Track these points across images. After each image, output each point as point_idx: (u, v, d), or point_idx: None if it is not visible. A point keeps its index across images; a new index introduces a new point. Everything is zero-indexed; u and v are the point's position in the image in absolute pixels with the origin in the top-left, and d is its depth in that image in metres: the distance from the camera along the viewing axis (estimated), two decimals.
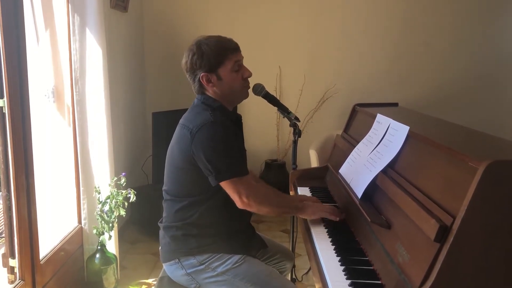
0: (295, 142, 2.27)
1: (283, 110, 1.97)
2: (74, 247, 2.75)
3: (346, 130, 2.42)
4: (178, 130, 1.73)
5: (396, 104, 2.55)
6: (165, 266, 1.80)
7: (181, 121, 1.74)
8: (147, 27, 4.19)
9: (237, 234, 1.76)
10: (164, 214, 1.81)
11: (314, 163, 3.62)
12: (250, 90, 1.83)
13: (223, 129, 1.63)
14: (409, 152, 1.52)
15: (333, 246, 1.59)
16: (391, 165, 1.57)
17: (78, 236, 2.77)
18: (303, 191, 2.27)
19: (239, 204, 1.64)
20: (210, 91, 1.74)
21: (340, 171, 1.99)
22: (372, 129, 1.92)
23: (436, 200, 1.20)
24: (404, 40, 4.15)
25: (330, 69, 4.21)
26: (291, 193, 2.38)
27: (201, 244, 1.71)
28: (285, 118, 2.10)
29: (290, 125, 2.16)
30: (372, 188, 1.61)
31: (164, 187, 1.80)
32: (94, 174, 2.74)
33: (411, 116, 2.21)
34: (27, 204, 2.15)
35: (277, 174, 4.12)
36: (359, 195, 1.63)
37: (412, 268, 1.17)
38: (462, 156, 1.16)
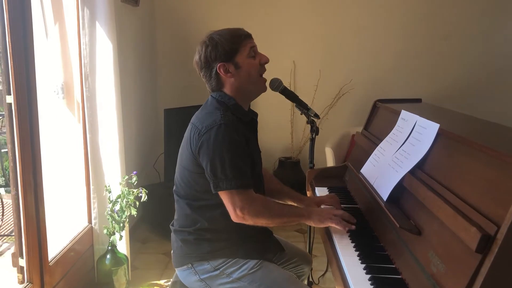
0: (312, 140, 2.16)
1: (302, 106, 1.87)
2: (84, 247, 2.68)
3: (366, 127, 2.30)
4: (188, 129, 1.63)
5: (419, 100, 2.43)
6: (177, 271, 1.71)
7: (192, 119, 1.65)
8: (158, 22, 4.11)
9: (253, 238, 1.66)
10: (175, 217, 1.72)
11: (330, 161, 3.52)
12: (267, 84, 1.73)
13: (231, 134, 1.52)
14: (439, 152, 1.41)
15: (357, 252, 1.48)
16: (420, 165, 1.46)
17: (88, 236, 2.70)
18: (321, 191, 2.17)
19: (233, 217, 1.53)
20: (227, 85, 1.64)
21: (362, 171, 1.88)
22: (396, 127, 1.80)
23: (475, 206, 1.09)
24: (423, 33, 4.01)
25: (346, 64, 4.08)
26: (308, 193, 2.28)
27: (214, 249, 1.62)
28: (302, 115, 2.00)
29: (308, 122, 2.06)
30: (398, 190, 1.50)
31: (174, 188, 1.71)
32: (105, 172, 2.66)
33: (438, 113, 2.09)
34: (34, 203, 2.08)
35: (291, 172, 4.02)
36: (385, 197, 1.53)
37: (449, 280, 1.07)
38: (506, 157, 1.05)
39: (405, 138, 1.65)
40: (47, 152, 2.56)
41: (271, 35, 4.06)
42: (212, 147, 1.51)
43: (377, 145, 1.88)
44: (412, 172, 1.46)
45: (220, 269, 1.61)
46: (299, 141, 4.19)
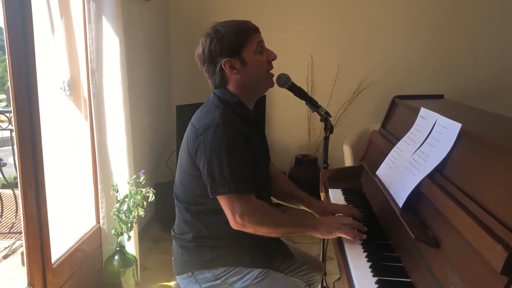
0: (326, 139, 2.04)
1: (312, 104, 1.74)
2: (92, 247, 2.62)
3: (384, 125, 2.16)
4: (188, 128, 1.53)
5: (441, 96, 2.26)
6: (178, 279, 1.62)
7: (192, 118, 1.54)
8: (172, 17, 4.02)
9: (258, 245, 1.55)
10: (176, 221, 1.62)
11: (348, 160, 3.37)
12: (275, 79, 1.61)
13: (230, 134, 1.41)
14: (461, 155, 1.27)
15: (369, 263, 1.35)
16: (439, 169, 1.32)
17: (96, 236, 2.64)
18: (335, 193, 2.04)
19: (232, 224, 1.41)
20: (232, 83, 1.52)
21: (377, 173, 1.75)
22: (415, 125, 1.66)
23: (501, 219, 0.95)
24: (447, 26, 3.81)
25: (365, 58, 3.92)
26: (321, 195, 2.16)
27: (216, 256, 1.52)
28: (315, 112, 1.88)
29: (321, 120, 1.94)
30: (416, 195, 1.37)
31: (174, 192, 1.61)
32: (113, 171, 2.59)
33: (461, 110, 1.93)
34: (36, 203, 2.01)
35: (308, 171, 3.89)
36: (400, 204, 1.39)
37: None
38: None
39: (424, 138, 1.51)
40: (54, 151, 2.51)
41: (288, 28, 3.93)
42: (209, 148, 1.41)
43: (394, 145, 1.75)
44: (430, 176, 1.33)
45: (222, 279, 1.51)
46: (317, 138, 4.05)
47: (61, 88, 2.49)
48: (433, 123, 1.50)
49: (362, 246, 1.47)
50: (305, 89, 3.78)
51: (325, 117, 1.90)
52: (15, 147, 1.88)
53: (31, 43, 1.92)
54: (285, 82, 1.65)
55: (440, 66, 3.88)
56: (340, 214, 1.64)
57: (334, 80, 3.87)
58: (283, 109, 4.01)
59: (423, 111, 1.64)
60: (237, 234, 1.47)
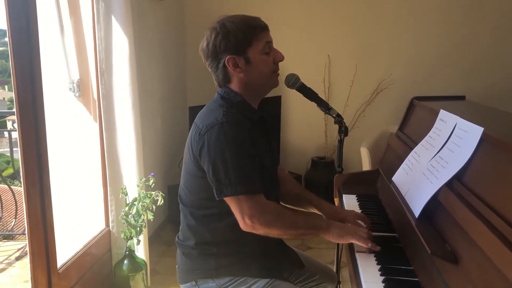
0: (340, 142, 1.94)
1: (323, 106, 1.65)
2: (102, 251, 2.58)
3: (401, 128, 2.06)
4: (191, 128, 1.46)
5: (462, 97, 2.15)
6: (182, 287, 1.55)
7: (196, 118, 1.47)
8: (188, 16, 3.97)
9: (265, 253, 1.47)
10: (180, 227, 1.55)
11: (366, 163, 3.26)
12: (281, 79, 1.53)
13: (234, 133, 1.34)
14: (483, 162, 1.16)
15: (382, 277, 1.26)
16: (459, 177, 1.22)
17: (106, 240, 2.60)
18: (349, 199, 1.94)
19: (242, 226, 1.34)
20: (235, 81, 1.45)
21: (393, 179, 1.65)
22: (433, 129, 1.56)
23: None
24: (470, 24, 3.67)
25: (385, 57, 3.80)
26: (335, 200, 2.06)
27: (221, 265, 1.44)
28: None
29: (335, 122, 1.86)
30: (434, 204, 1.27)
31: (179, 196, 1.55)
32: (123, 173, 2.54)
33: (483, 113, 1.82)
34: (40, 205, 1.97)
35: (325, 173, 3.79)
36: (417, 213, 1.30)
37: None
38: None
39: (443, 143, 1.41)
40: (64, 152, 2.48)
41: (305, 27, 3.84)
42: (213, 148, 1.34)
43: (412, 150, 1.65)
44: (449, 184, 1.23)
45: None
46: (334, 140, 3.94)
47: (70, 89, 2.45)
48: (453, 126, 1.40)
49: (375, 258, 1.37)
50: (322, 90, 3.75)
51: (339, 119, 1.82)
52: (16, 148, 1.83)
53: (35, 44, 1.88)
54: (294, 82, 1.55)
55: (463, 65, 3.73)
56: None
57: (352, 80, 3.77)
58: (299, 110, 3.91)
59: (443, 113, 1.54)
60: (242, 240, 1.40)
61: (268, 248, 1.48)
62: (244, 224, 1.33)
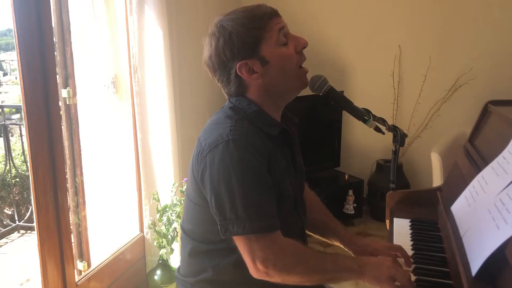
0: (395, 153, 1.63)
1: (358, 116, 1.32)
2: (136, 256, 2.44)
3: (471, 139, 1.65)
4: (195, 146, 1.20)
5: None
6: None
7: (200, 132, 1.21)
8: (231, 5, 3.70)
9: None
10: (180, 259, 1.31)
11: (437, 171, 2.83)
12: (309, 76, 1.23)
13: (244, 153, 1.06)
14: None
15: None
16: None
17: (140, 246, 2.46)
18: (401, 224, 1.59)
19: (252, 272, 1.06)
20: (253, 88, 1.17)
21: (452, 208, 1.29)
22: (509, 147, 1.18)
23: None
24: None
25: (464, 48, 3.27)
26: (387, 222, 1.72)
27: None
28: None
29: (388, 130, 1.55)
30: (500, 257, 0.92)
31: (181, 222, 1.30)
32: (156, 177, 2.37)
33: None
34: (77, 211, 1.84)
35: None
36: (473, 270, 0.95)
37: None
38: None
39: None
40: (99, 154, 2.35)
41: (373, 15, 3.42)
42: (216, 173, 1.07)
43: (480, 171, 1.27)
44: None
45: None
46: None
47: (105, 85, 2.31)
48: None
49: None
50: (390, 85, 3.33)
51: (393, 126, 1.51)
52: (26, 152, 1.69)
53: (48, 37, 1.71)
54: (320, 86, 1.22)
55: None
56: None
57: (425, 74, 3.30)
58: (364, 106, 3.51)
59: None
60: (247, 281, 1.12)
61: None
62: (255, 270, 1.06)
